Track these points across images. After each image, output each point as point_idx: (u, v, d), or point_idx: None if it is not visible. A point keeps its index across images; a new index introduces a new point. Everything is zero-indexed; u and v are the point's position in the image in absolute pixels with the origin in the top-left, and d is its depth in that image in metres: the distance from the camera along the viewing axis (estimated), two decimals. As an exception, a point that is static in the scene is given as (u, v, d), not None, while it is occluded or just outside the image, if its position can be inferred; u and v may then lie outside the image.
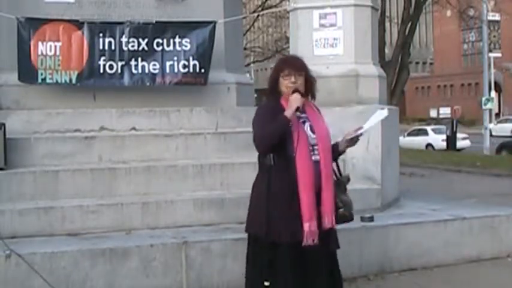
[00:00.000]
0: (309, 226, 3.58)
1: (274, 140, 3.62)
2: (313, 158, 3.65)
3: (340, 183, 3.86)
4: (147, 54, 6.44)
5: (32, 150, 5.70)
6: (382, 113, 3.92)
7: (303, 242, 3.58)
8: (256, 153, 3.86)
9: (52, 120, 6.11)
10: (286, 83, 3.76)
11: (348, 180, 3.91)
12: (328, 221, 3.69)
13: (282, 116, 3.62)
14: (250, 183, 3.98)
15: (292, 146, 3.61)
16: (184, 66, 6.49)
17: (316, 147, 3.69)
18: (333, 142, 3.88)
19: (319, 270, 3.72)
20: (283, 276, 3.64)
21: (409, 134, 30.17)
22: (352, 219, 3.94)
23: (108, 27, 6.40)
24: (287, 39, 18.97)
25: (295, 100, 3.67)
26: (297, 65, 3.82)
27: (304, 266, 3.67)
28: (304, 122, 3.74)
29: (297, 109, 3.65)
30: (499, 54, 35.72)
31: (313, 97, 3.96)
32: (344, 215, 3.83)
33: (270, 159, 3.69)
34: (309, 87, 3.89)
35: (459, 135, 27.43)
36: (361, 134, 3.89)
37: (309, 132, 3.72)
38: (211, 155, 6.09)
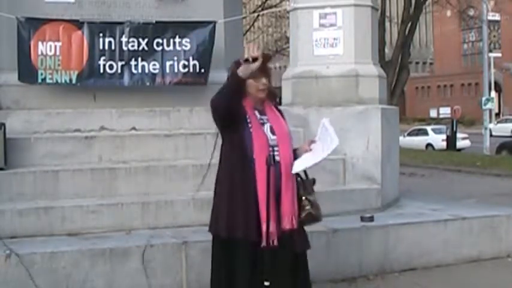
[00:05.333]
0: (267, 227, 3.58)
1: (229, 100, 3.55)
2: (274, 159, 3.65)
3: (307, 184, 3.86)
4: (147, 54, 6.44)
5: (32, 150, 5.70)
6: (334, 141, 3.76)
7: (262, 242, 3.58)
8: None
9: (52, 120, 6.11)
10: (255, 84, 3.67)
11: (314, 182, 3.92)
12: (287, 222, 3.67)
13: (235, 74, 3.53)
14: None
15: (252, 147, 3.63)
16: (184, 66, 6.49)
17: (276, 149, 3.70)
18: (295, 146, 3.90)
19: (280, 271, 3.68)
20: (242, 277, 3.65)
21: (409, 134, 30.17)
22: (319, 220, 3.89)
23: (108, 27, 6.40)
24: (287, 39, 18.96)
25: (245, 68, 3.51)
26: (267, 69, 3.75)
27: (264, 266, 3.64)
28: (263, 124, 3.73)
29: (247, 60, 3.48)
30: (499, 54, 35.67)
31: (274, 98, 3.93)
32: (311, 214, 3.80)
33: (231, 160, 3.69)
34: (270, 89, 3.82)
35: (459, 135, 27.43)
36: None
37: (269, 134, 3.72)
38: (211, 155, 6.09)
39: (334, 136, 3.72)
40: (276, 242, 3.60)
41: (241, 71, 3.52)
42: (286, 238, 3.66)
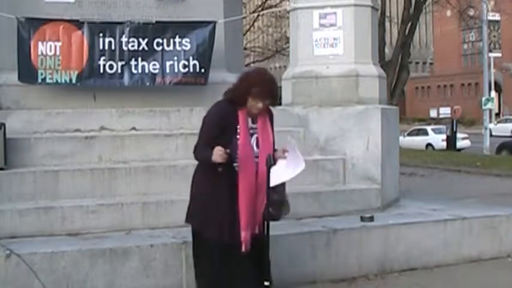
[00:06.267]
0: (245, 234, 3.84)
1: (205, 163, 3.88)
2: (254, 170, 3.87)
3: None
4: (147, 54, 6.44)
5: (32, 150, 5.69)
6: (300, 166, 3.92)
7: (242, 248, 3.84)
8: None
9: (52, 120, 6.10)
10: (253, 104, 3.87)
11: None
12: (259, 230, 3.92)
13: (212, 154, 3.76)
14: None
15: (237, 157, 3.81)
16: (185, 66, 6.49)
17: (256, 160, 3.89)
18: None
19: (247, 272, 3.88)
20: (215, 275, 3.90)
21: (409, 134, 30.17)
22: (277, 219, 4.02)
23: (108, 27, 6.40)
24: (287, 39, 18.93)
25: (218, 156, 3.75)
26: (270, 95, 3.89)
27: (234, 266, 3.88)
28: (252, 135, 3.90)
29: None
30: (499, 54, 35.73)
31: (274, 104, 4.07)
32: (270, 214, 3.94)
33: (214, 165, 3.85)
34: (274, 104, 4.03)
35: (459, 135, 27.43)
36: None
37: (254, 146, 3.91)
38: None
39: (301, 160, 3.91)
40: (249, 246, 3.86)
41: (214, 158, 3.76)
42: (255, 242, 3.90)
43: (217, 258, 3.90)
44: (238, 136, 3.83)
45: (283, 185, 3.98)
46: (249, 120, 3.92)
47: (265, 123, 3.98)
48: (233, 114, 3.87)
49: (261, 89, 3.85)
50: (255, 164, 3.86)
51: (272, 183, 3.85)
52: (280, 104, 7.39)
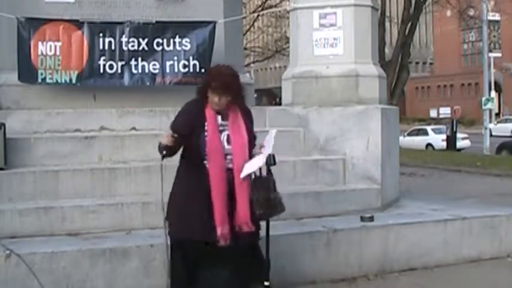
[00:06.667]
0: (221, 230, 3.81)
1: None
2: (228, 166, 3.85)
3: (257, 183, 3.92)
4: (147, 54, 6.44)
5: (32, 150, 5.70)
6: (266, 153, 3.91)
7: (218, 243, 3.81)
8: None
9: (52, 120, 6.10)
10: (211, 98, 3.89)
11: (268, 180, 3.95)
12: (244, 224, 3.87)
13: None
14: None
15: (206, 155, 3.82)
16: (185, 66, 6.49)
17: (229, 157, 3.86)
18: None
19: (223, 271, 3.88)
20: (184, 276, 3.93)
21: (409, 134, 30.17)
22: (263, 219, 3.98)
23: (108, 27, 6.40)
24: (287, 39, 18.96)
25: (164, 137, 3.85)
26: (224, 87, 3.88)
27: (209, 265, 3.89)
28: (222, 131, 3.89)
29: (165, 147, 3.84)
30: (499, 54, 35.74)
31: (237, 100, 4.00)
32: (258, 216, 3.91)
33: (187, 165, 3.94)
34: (234, 99, 3.96)
35: (459, 135, 27.43)
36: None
37: (224, 143, 3.88)
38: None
39: (268, 149, 3.88)
40: (228, 242, 3.82)
41: (161, 140, 3.86)
42: (237, 240, 3.87)
43: (190, 259, 3.92)
44: (206, 133, 3.84)
45: (269, 183, 3.92)
46: (219, 117, 3.92)
47: (237, 120, 3.94)
48: (201, 111, 3.89)
49: (217, 83, 3.86)
50: (223, 158, 3.85)
51: (242, 175, 3.84)
52: (280, 104, 7.40)
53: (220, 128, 3.89)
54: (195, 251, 3.89)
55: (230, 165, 3.86)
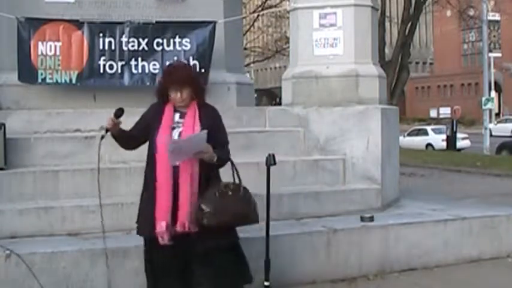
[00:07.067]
0: (160, 226, 3.78)
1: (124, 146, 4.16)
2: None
3: (210, 190, 3.82)
4: (147, 54, 6.45)
5: (32, 150, 5.70)
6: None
7: (158, 240, 3.80)
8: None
9: (52, 120, 6.10)
10: (174, 96, 3.92)
11: (226, 186, 3.86)
12: (179, 225, 3.79)
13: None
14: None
15: (156, 151, 3.85)
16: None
17: None
18: None
19: (171, 271, 3.88)
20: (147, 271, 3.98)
21: (409, 134, 30.17)
22: (203, 225, 3.76)
23: (108, 27, 6.40)
24: (287, 39, 18.97)
25: (107, 119, 3.99)
26: (180, 81, 3.90)
27: (158, 264, 3.92)
28: (174, 128, 3.89)
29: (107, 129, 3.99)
30: (499, 54, 35.76)
31: (203, 101, 4.02)
32: (203, 223, 3.75)
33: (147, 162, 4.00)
34: (196, 94, 3.96)
35: (459, 135, 27.42)
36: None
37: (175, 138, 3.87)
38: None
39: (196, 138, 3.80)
40: (167, 240, 3.77)
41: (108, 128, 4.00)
42: (184, 239, 3.79)
43: (147, 257, 3.99)
44: (158, 130, 3.88)
45: (213, 191, 3.81)
46: (176, 115, 3.93)
47: (192, 117, 3.90)
48: (160, 110, 3.94)
49: (173, 79, 3.90)
50: None
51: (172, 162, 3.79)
52: (280, 104, 7.40)
53: (174, 125, 3.89)
54: (159, 251, 3.87)
55: (177, 163, 3.82)
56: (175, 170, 3.79)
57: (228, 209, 3.77)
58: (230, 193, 3.83)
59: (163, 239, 3.79)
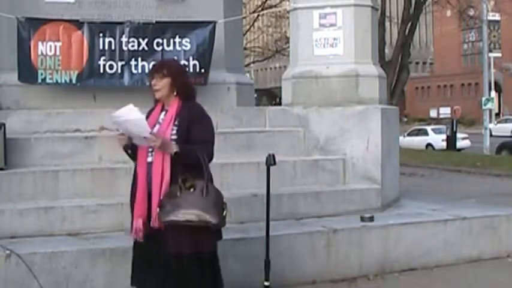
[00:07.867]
0: (135, 222, 3.79)
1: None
2: (148, 159, 3.82)
3: (177, 186, 3.70)
4: (147, 54, 6.45)
5: (32, 150, 5.70)
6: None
7: (133, 236, 3.81)
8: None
9: (52, 120, 6.10)
10: (152, 86, 3.96)
11: (191, 186, 3.67)
12: (152, 221, 3.75)
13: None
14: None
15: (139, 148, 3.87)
16: (185, 66, 6.48)
17: (152, 151, 3.81)
18: None
19: (152, 268, 3.80)
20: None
21: (409, 134, 30.16)
22: (164, 222, 3.67)
23: (108, 27, 6.40)
24: (287, 39, 18.95)
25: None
26: (156, 67, 3.97)
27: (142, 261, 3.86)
28: (155, 125, 3.90)
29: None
30: (499, 54, 35.70)
31: (187, 98, 3.94)
32: (171, 220, 3.64)
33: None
34: (177, 88, 3.92)
35: (459, 135, 27.41)
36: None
37: None
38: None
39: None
40: (141, 237, 3.75)
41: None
42: (158, 236, 3.72)
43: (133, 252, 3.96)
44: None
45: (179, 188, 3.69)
46: (162, 113, 3.95)
47: (169, 116, 3.89)
48: (152, 110, 4.02)
49: (151, 68, 4.01)
50: (146, 151, 3.83)
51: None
52: (280, 104, 7.40)
53: (155, 123, 3.91)
54: (139, 247, 3.85)
55: (149, 159, 3.80)
56: (149, 167, 3.79)
57: (181, 207, 3.59)
58: (187, 191, 3.64)
59: (138, 236, 3.77)
